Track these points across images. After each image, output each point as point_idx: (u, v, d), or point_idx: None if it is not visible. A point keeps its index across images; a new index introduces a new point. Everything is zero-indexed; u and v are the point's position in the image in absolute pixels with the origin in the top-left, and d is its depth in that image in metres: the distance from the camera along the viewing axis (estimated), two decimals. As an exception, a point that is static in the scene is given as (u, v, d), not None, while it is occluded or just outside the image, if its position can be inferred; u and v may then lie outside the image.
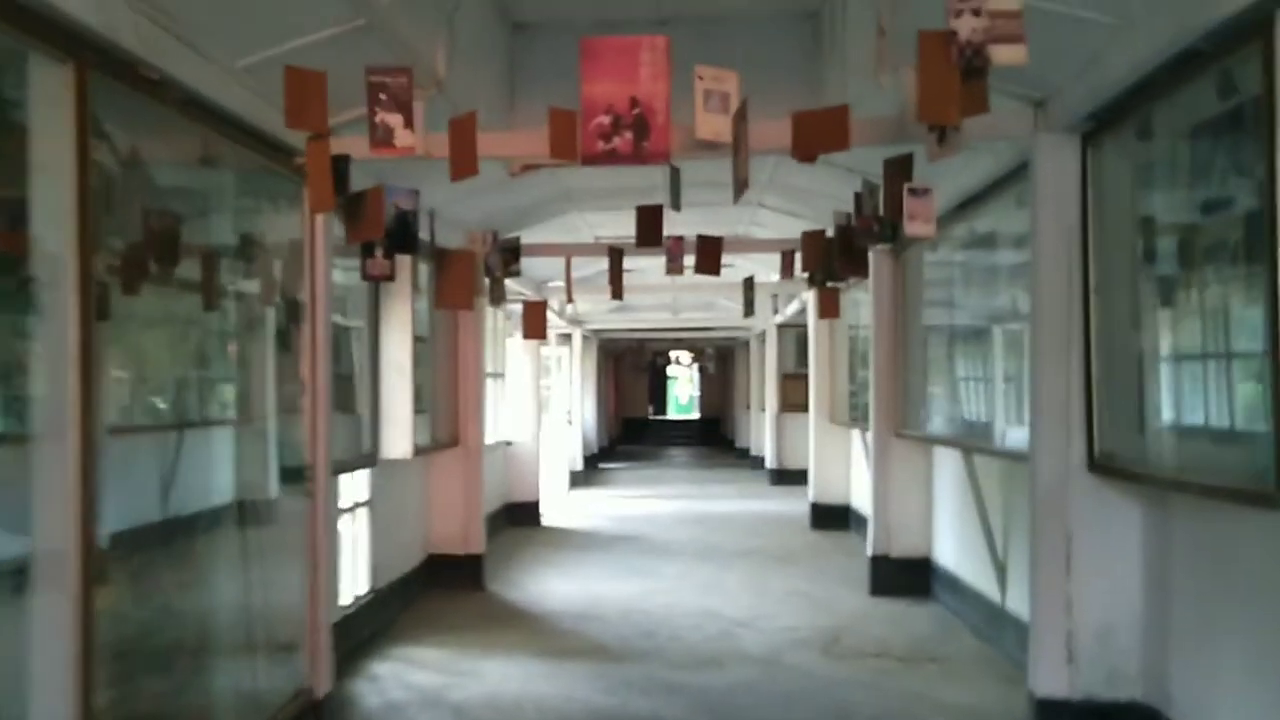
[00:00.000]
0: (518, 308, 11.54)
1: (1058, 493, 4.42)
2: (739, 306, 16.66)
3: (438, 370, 7.84)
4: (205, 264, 3.78)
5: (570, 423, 15.54)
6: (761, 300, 15.90)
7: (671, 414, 34.26)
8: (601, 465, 20.20)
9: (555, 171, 6.86)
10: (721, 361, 28.24)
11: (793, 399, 16.27)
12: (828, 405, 11.34)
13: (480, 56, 5.62)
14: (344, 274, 5.93)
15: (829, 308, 6.32)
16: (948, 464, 7.45)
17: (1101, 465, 4.33)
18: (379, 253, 3.88)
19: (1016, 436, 5.48)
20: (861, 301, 10.30)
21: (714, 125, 3.41)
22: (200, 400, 4.05)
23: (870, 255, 5.98)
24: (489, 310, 10.54)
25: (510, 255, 6.18)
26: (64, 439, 2.73)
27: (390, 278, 3.96)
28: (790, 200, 8.10)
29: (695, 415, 33.05)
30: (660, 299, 15.61)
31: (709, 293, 14.10)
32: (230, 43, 3.28)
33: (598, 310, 16.55)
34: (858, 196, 4.53)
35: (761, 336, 18.59)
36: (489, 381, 10.69)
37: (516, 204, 7.36)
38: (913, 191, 3.66)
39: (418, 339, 7.52)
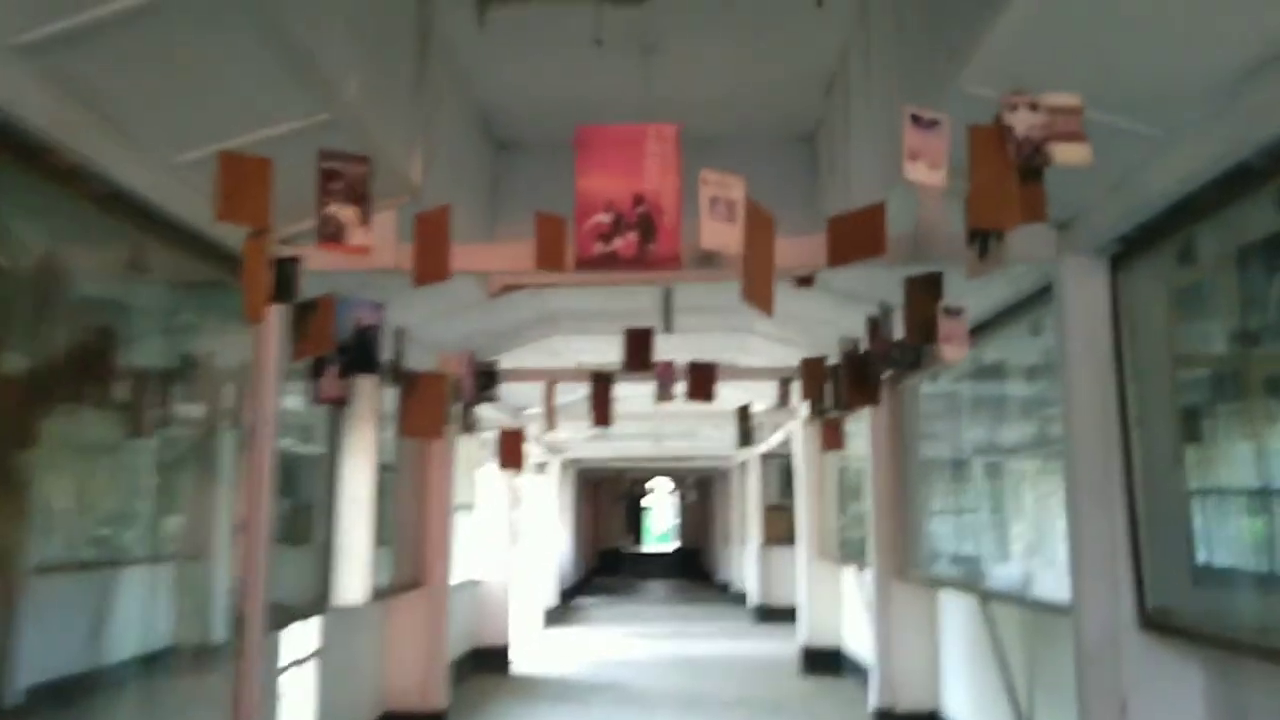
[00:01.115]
0: (492, 434, 11.01)
1: (1107, 654, 3.86)
2: (723, 435, 16.22)
3: (403, 502, 7.24)
4: (136, 386, 3.28)
5: (545, 557, 14.75)
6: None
7: (649, 545, 33.23)
8: (577, 600, 19.21)
9: (538, 292, 6.48)
10: (702, 491, 27.52)
11: (777, 532, 15.63)
12: (816, 540, 10.74)
13: (461, 172, 5.31)
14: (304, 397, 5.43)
15: (832, 439, 5.85)
16: (957, 608, 6.87)
17: (1155, 622, 3.80)
18: (332, 372, 3.39)
19: (1045, 584, 4.94)
20: (853, 433, 9.87)
21: (721, 235, 3.01)
22: (138, 535, 3.63)
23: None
24: (461, 438, 10.00)
25: (487, 380, 5.70)
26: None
27: (344, 402, 3.46)
28: (783, 327, 7.75)
29: (674, 546, 32.04)
30: (642, 427, 15.12)
31: (692, 421, 13.64)
32: (170, 134, 2.88)
33: (577, 438, 16.01)
34: (871, 320, 4.13)
35: (744, 466, 18.05)
36: (459, 514, 10.03)
37: (495, 326, 6.95)
38: (947, 312, 3.25)
39: (383, 468, 6.95)
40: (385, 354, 4.17)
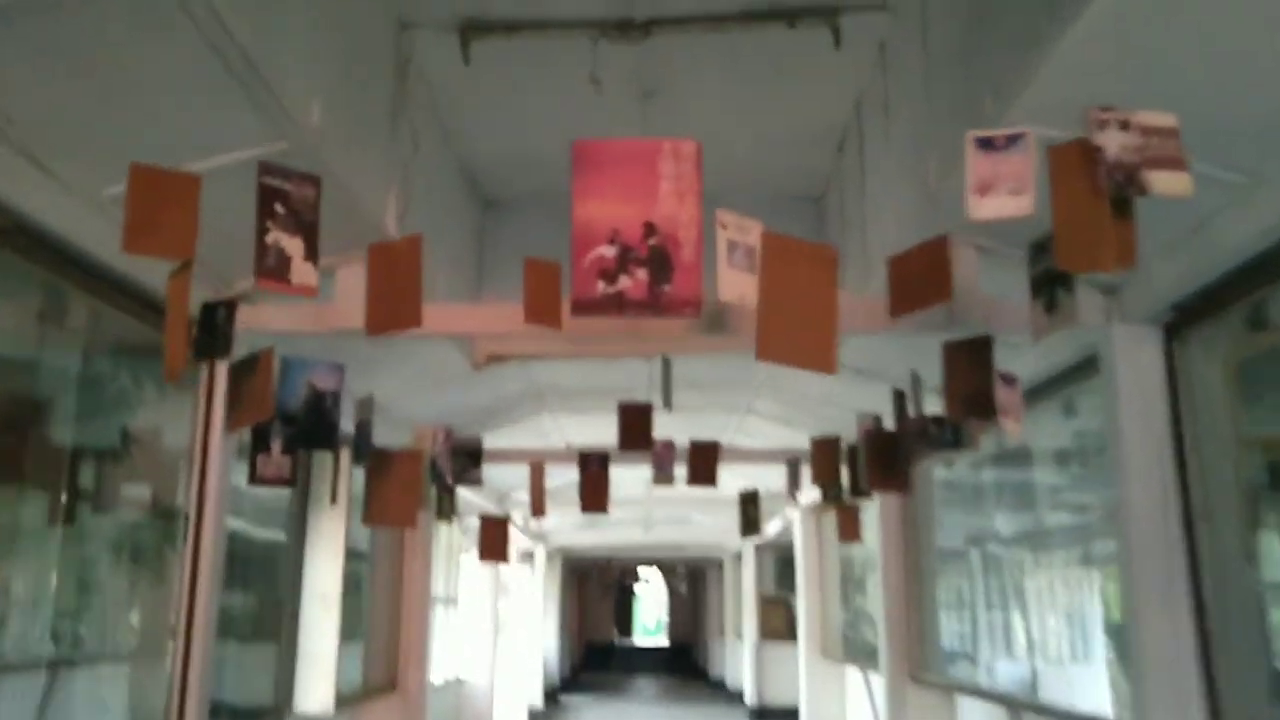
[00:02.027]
0: (474, 520, 10.40)
1: (1181, 785, 3.31)
2: (716, 522, 15.60)
3: (377, 596, 6.64)
4: (50, 464, 2.80)
5: (530, 653, 13.93)
6: (736, 518, 14.88)
7: (638, 638, 32.03)
8: (563, 699, 18.22)
9: (526, 364, 6.04)
10: (693, 582, 26.60)
11: (774, 626, 14.90)
12: (819, 637, 10.07)
13: (444, 228, 4.92)
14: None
15: (849, 529, 5.34)
16: (979, 717, 6.25)
17: (1236, 749, 3.26)
18: (275, 447, 2.88)
19: (1092, 697, 4.39)
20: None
21: (739, 285, 2.58)
22: (68, 633, 3.12)
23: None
24: (442, 524, 9.41)
25: (469, 460, 5.21)
26: None
27: (289, 483, 2.95)
28: (785, 406, 7.30)
29: (664, 641, 30.86)
30: (632, 513, 14.51)
31: (685, 507, 13.07)
32: (95, 163, 2.46)
33: (565, 525, 15.36)
34: (897, 394, 3.69)
35: (738, 556, 17.35)
36: (440, 608, 9.37)
37: (479, 402, 6.48)
38: (1005, 380, 2.81)
39: (356, 556, 6.38)
40: (348, 426, 3.69)
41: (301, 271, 2.20)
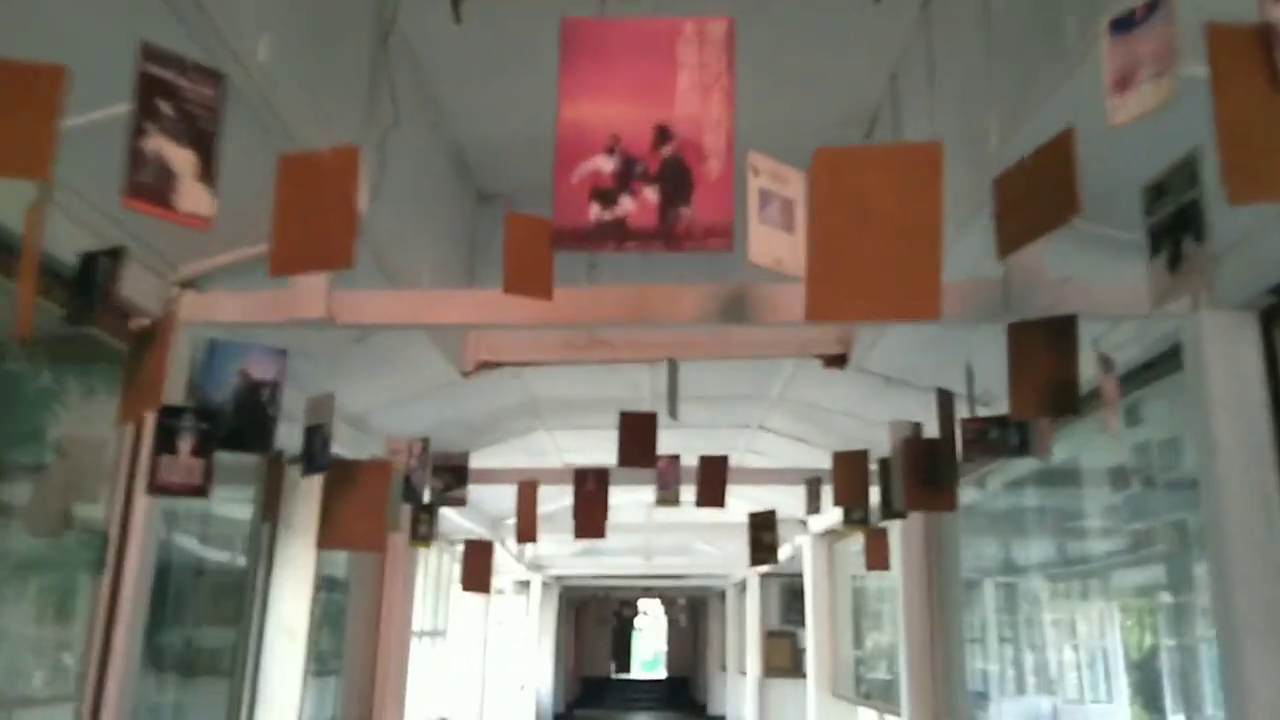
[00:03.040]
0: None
1: None
2: (718, 551, 14.98)
3: (355, 629, 6.05)
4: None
5: (524, 689, 13.27)
6: (743, 544, 14.25)
7: (635, 672, 31.20)
8: (557, 736, 17.50)
9: (519, 373, 5.50)
10: (693, 614, 25.85)
11: (779, 661, 14.24)
12: (829, 674, 9.45)
13: (431, 219, 4.42)
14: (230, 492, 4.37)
15: (878, 556, 4.80)
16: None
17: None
18: (183, 447, 2.30)
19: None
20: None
21: (774, 245, 2.07)
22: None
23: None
24: (430, 551, 8.83)
25: (452, 477, 4.66)
26: None
27: (200, 491, 2.37)
28: (798, 421, 6.76)
29: (661, 674, 30.02)
30: (631, 542, 13.90)
31: (687, 535, 12.48)
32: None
33: (561, 554, 14.75)
34: (944, 396, 3.15)
35: (741, 586, 16.71)
36: (426, 641, 8.76)
37: (467, 416, 5.94)
38: (1104, 365, 2.29)
39: (330, 584, 5.81)
40: (295, 431, 3.15)
41: (192, 195, 1.66)
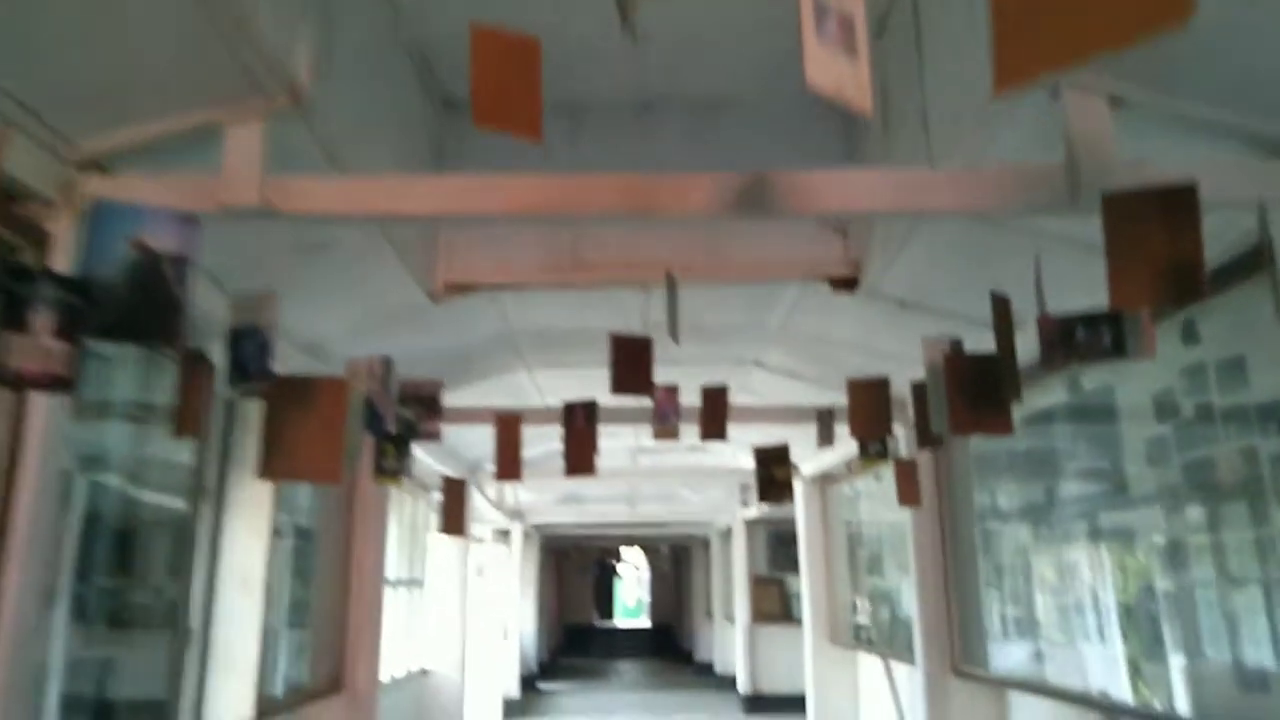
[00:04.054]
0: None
1: None
2: (703, 499, 14.61)
3: (321, 579, 5.58)
4: None
5: (506, 638, 12.91)
6: (729, 490, 13.91)
7: (619, 620, 31.13)
8: (542, 686, 17.25)
9: (496, 298, 4.96)
10: (677, 562, 25.67)
11: (767, 608, 13.98)
12: (825, 621, 9.11)
13: (391, 123, 3.85)
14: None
15: (910, 489, 4.33)
16: (1025, 712, 5.31)
17: None
18: (38, 324, 1.73)
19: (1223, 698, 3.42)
20: (865, 493, 8.39)
21: (835, 69, 1.57)
22: None
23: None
24: (405, 496, 8.35)
25: (423, 409, 4.14)
26: None
27: (63, 385, 1.78)
28: (797, 356, 6.27)
29: (645, 623, 29.96)
30: (616, 489, 13.50)
31: (673, 481, 12.08)
32: None
33: (543, 501, 14.33)
34: (998, 300, 2.65)
35: (726, 533, 16.41)
36: (403, 591, 8.32)
37: (438, 350, 5.40)
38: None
39: (305, 533, 5.32)
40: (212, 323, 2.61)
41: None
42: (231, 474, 4.59)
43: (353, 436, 3.01)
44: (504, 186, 2.66)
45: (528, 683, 15.05)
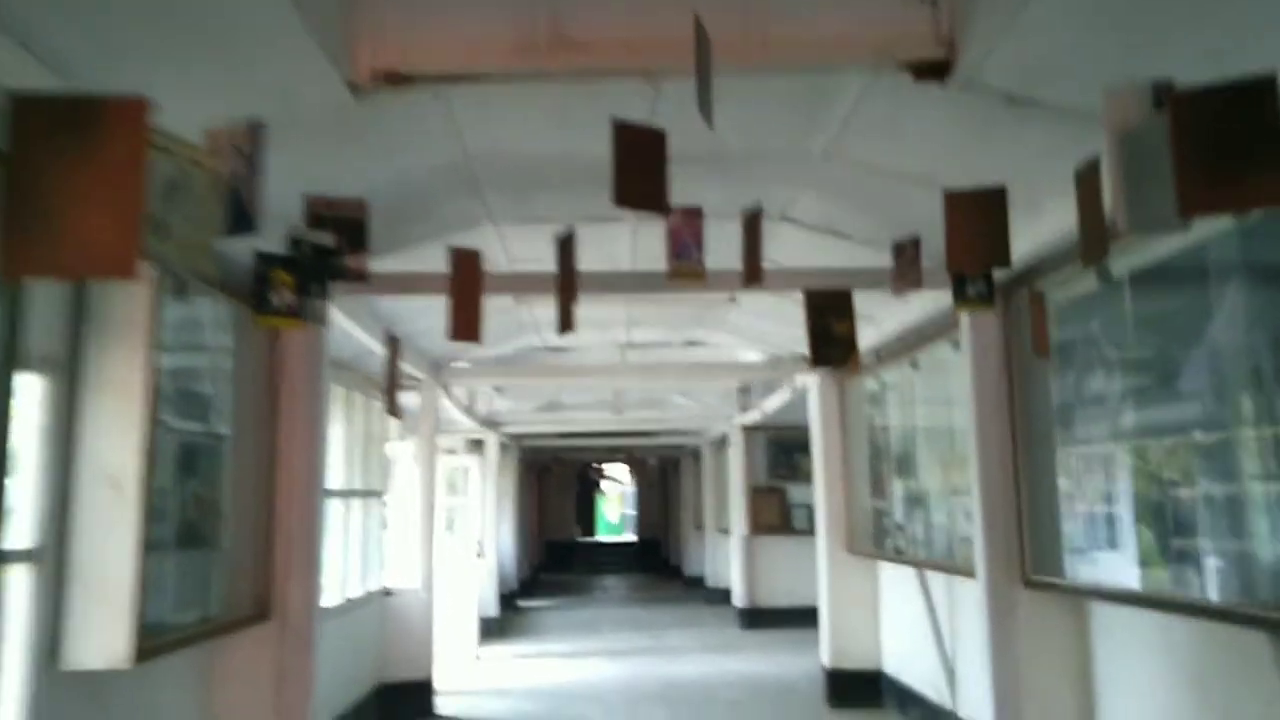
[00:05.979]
0: (407, 401, 8.13)
1: None
2: (694, 404, 13.50)
3: (238, 486, 4.39)
4: None
5: (482, 555, 11.88)
6: (725, 394, 12.79)
7: (602, 535, 30.49)
8: (522, 604, 16.41)
9: (446, 97, 3.66)
10: (664, 473, 24.77)
11: (767, 519, 13.06)
12: (842, 530, 8.09)
13: None
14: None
15: (1043, 333, 3.15)
16: (1117, 627, 4.29)
17: None
18: None
19: None
20: (892, 386, 7.26)
21: None
22: None
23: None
24: (355, 396, 7.12)
25: (345, 236, 2.87)
26: None
27: None
28: (839, 199, 5.02)
29: (630, 537, 29.32)
30: (600, 393, 12.35)
31: (665, 378, 10.92)
32: None
33: (521, 409, 13.17)
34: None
35: (719, 443, 15.38)
36: (356, 504, 7.17)
37: (374, 181, 4.10)
38: None
39: (209, 435, 4.12)
40: None
41: None
42: (91, 338, 3.36)
43: (158, 205, 1.75)
44: None
45: (507, 601, 14.14)
